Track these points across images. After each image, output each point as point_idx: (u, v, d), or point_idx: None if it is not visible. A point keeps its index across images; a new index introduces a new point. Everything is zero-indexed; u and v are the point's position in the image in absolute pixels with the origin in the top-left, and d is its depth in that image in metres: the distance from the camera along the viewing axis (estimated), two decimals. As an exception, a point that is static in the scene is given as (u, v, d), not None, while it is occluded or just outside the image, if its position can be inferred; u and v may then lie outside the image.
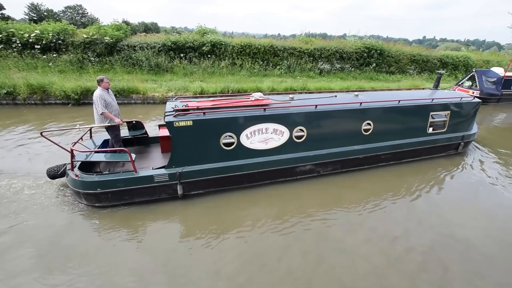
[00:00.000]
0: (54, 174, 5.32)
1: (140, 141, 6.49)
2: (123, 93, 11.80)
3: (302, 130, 5.63)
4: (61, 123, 9.26)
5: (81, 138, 5.49)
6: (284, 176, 5.87)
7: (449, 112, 7.11)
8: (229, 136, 5.13)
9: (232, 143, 5.19)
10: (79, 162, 5.07)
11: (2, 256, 3.92)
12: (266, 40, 17.67)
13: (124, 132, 6.25)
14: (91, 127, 5.85)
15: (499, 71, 15.00)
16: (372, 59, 18.49)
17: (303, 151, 5.77)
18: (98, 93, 5.21)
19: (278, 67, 16.86)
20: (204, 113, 4.94)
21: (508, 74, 14.56)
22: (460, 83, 15.71)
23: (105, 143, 5.87)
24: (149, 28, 46.43)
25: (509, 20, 28.61)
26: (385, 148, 6.54)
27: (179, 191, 5.05)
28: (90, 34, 14.59)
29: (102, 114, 5.20)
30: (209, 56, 16.19)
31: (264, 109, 5.30)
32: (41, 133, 4.84)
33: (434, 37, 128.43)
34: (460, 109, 7.24)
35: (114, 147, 5.48)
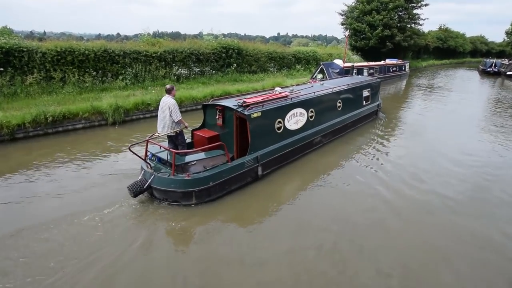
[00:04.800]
0: (140, 189, 5.16)
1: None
2: None
3: (312, 111, 7.54)
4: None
5: (159, 146, 5.92)
6: (308, 148, 7.67)
7: (370, 89, 10.62)
8: (278, 121, 6.65)
9: (280, 127, 6.71)
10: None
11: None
12: (98, 43, 13.45)
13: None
14: (166, 134, 6.02)
15: (340, 62, 17.39)
16: (231, 59, 17.56)
17: (314, 127, 7.76)
18: (173, 101, 5.70)
19: (121, 77, 13.21)
20: (262, 105, 6.29)
21: (346, 64, 17.10)
22: (314, 76, 17.04)
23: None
24: None
25: (339, 18, 35.26)
26: (349, 118, 9.40)
27: (259, 172, 6.14)
28: None
29: (179, 120, 5.71)
30: (1, 69, 10.80)
31: (291, 98, 7.02)
32: (129, 148, 5.19)
33: (287, 33, 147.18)
34: (374, 87, 11.07)
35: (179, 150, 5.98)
